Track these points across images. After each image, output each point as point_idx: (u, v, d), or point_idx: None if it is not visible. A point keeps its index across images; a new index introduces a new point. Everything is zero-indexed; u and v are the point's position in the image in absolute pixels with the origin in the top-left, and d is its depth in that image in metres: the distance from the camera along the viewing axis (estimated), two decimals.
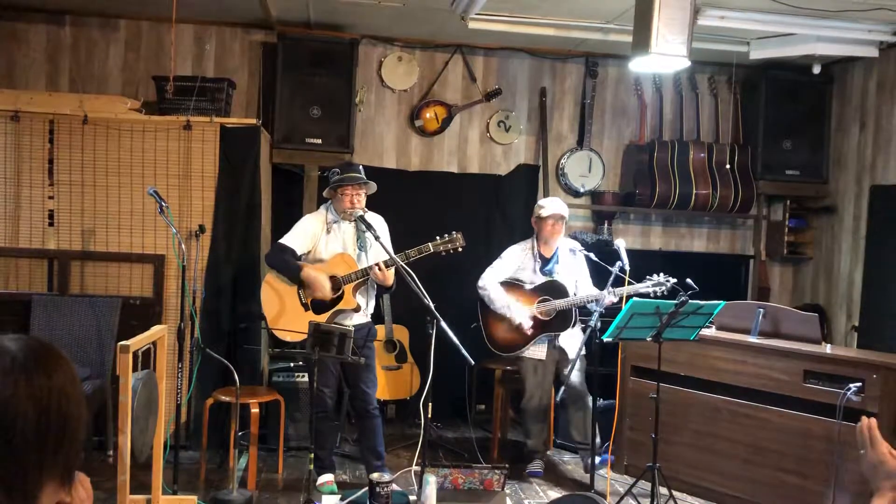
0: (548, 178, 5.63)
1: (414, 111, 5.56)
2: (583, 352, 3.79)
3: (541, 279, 4.23)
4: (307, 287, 3.77)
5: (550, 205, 4.26)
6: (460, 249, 3.73)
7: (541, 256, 4.27)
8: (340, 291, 3.75)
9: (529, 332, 4.17)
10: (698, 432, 4.09)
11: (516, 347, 4.25)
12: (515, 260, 4.31)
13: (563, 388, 3.90)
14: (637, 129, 5.81)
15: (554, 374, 4.28)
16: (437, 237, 3.71)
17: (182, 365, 4.02)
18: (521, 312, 4.18)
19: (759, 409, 3.88)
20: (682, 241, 5.99)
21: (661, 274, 3.93)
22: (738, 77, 5.76)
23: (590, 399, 4.19)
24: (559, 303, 4.11)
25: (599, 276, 4.17)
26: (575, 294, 4.19)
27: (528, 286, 4.25)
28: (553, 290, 4.15)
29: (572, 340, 4.24)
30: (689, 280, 3.59)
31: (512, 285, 4.27)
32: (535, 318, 4.19)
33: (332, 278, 3.75)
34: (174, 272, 4.40)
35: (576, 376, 4.17)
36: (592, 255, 4.12)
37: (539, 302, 4.18)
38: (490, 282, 4.27)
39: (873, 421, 1.45)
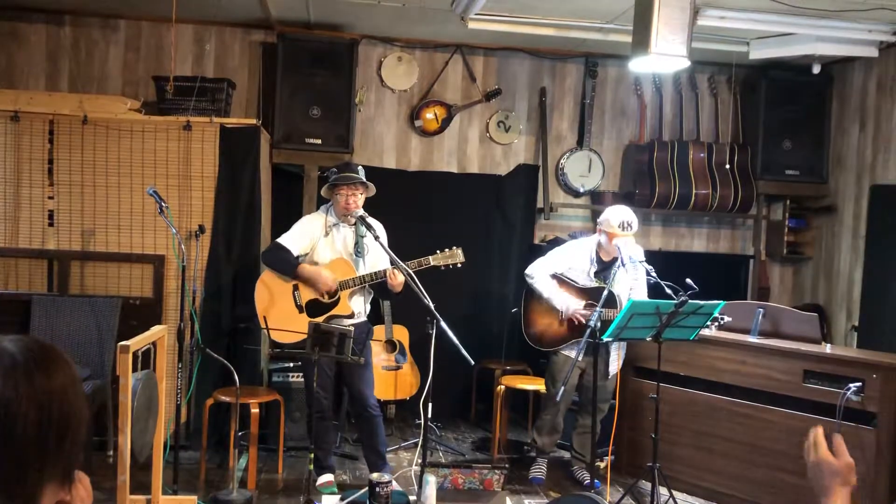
0: (547, 178, 5.63)
1: (414, 111, 5.56)
2: (582, 354, 3.77)
3: (592, 283, 4.05)
4: (307, 283, 3.76)
5: (620, 234, 3.90)
6: (460, 265, 3.71)
7: (598, 260, 4.07)
8: (336, 297, 3.75)
9: (582, 319, 3.95)
10: (698, 432, 4.09)
11: (552, 344, 4.11)
12: (570, 257, 4.12)
13: (561, 390, 3.84)
14: (637, 129, 5.81)
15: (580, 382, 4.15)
16: (438, 251, 3.70)
17: (182, 365, 4.02)
18: (569, 299, 4.00)
19: (759, 408, 3.88)
20: (682, 241, 5.99)
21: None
22: (737, 77, 5.76)
23: (608, 406, 4.15)
24: (604, 312, 3.75)
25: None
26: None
27: (578, 286, 4.06)
28: (602, 297, 3.80)
29: (613, 358, 4.08)
30: (688, 280, 3.58)
31: (561, 281, 4.10)
32: (574, 320, 4.03)
33: None
34: (174, 272, 4.40)
35: (608, 381, 4.07)
36: (652, 272, 3.78)
37: (586, 305, 4.03)
38: (539, 271, 4.10)
39: (820, 429, 1.49)
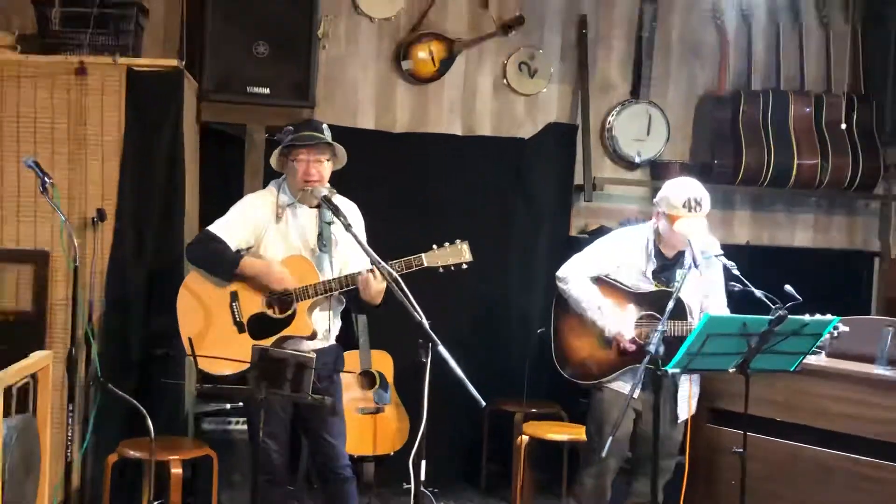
0: (589, 142, 5.62)
1: (401, 49, 5.54)
2: (639, 389, 3.74)
3: (651, 286, 4.04)
4: (252, 286, 3.73)
5: (686, 216, 3.88)
6: (465, 266, 3.68)
7: (658, 255, 4.06)
8: (292, 310, 3.73)
9: (631, 348, 3.94)
10: (803, 501, 4.08)
11: (596, 374, 4.06)
12: (618, 251, 4.10)
13: (608, 441, 3.81)
14: (715, 75, 5.81)
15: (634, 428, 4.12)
16: (435, 246, 3.67)
17: (74, 407, 4.00)
18: (618, 319, 3.97)
19: (889, 468, 3.87)
20: (779, 232, 5.99)
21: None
22: (859, 1, 5.75)
23: (674, 464, 4.14)
24: (669, 326, 3.74)
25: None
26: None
27: (629, 291, 4.05)
28: (665, 304, 3.73)
29: (683, 395, 4.06)
30: (788, 287, 3.57)
31: (607, 285, 4.07)
32: (621, 346, 3.99)
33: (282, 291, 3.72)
34: (63, 276, 4.39)
35: (675, 428, 4.07)
36: (735, 269, 3.76)
37: (641, 319, 4.01)
38: (575, 273, 4.06)
39: None
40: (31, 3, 4.86)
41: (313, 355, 3.39)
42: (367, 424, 4.95)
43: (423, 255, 3.65)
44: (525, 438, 4.62)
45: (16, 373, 2.99)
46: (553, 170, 5.67)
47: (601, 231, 5.33)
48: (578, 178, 5.66)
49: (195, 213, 4.96)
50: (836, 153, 5.55)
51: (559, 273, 4.15)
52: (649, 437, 3.80)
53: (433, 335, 3.24)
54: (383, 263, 3.52)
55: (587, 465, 4.24)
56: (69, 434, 3.88)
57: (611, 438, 3.76)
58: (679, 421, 4.10)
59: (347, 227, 3.62)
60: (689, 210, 3.91)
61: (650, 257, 4.07)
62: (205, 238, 3.81)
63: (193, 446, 4.23)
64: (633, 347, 3.97)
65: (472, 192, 5.57)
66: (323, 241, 3.80)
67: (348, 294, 3.79)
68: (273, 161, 3.87)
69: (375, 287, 3.62)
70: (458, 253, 3.68)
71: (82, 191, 4.48)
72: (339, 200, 3.79)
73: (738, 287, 3.75)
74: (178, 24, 5.30)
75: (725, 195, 5.81)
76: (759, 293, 3.59)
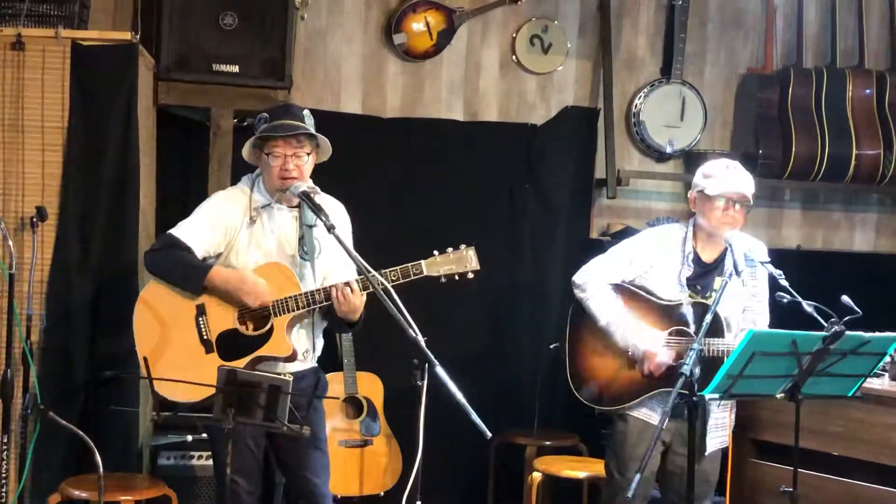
0: (612, 129, 5.62)
1: (392, 19, 5.55)
2: (666, 420, 3.72)
3: (683, 296, 4.03)
4: (226, 296, 3.72)
5: (722, 174, 3.97)
6: (471, 276, 3.69)
7: (696, 259, 4.07)
8: (268, 326, 3.72)
9: (659, 372, 3.94)
10: None
11: (621, 400, 4.06)
12: (649, 252, 4.11)
13: (636, 479, 3.80)
14: (760, 49, 5.82)
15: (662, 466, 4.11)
16: (436, 252, 3.67)
17: (8, 439, 4.00)
18: (647, 335, 3.97)
19: None
20: (836, 234, 6.00)
21: None
22: None
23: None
24: (709, 344, 3.78)
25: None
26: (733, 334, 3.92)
27: (657, 301, 4.05)
28: (705, 324, 3.73)
29: (717, 421, 4.06)
30: (845, 298, 3.57)
31: (630, 294, 4.08)
32: (648, 368, 3.98)
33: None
34: None
35: (706, 462, 4.03)
36: (781, 277, 3.76)
37: (672, 333, 4.02)
38: (595, 279, 4.07)
39: None
40: None
41: (289, 378, 3.39)
42: (353, 460, 4.95)
43: (422, 262, 3.65)
44: (538, 476, 4.61)
45: None
46: (570, 161, 5.68)
47: (626, 233, 5.33)
48: (600, 172, 5.67)
49: (151, 212, 4.97)
50: None
51: (576, 278, 4.15)
52: (680, 473, 3.80)
53: (430, 354, 3.24)
54: (373, 272, 3.51)
55: (617, 494, 4.22)
56: (4, 471, 3.87)
57: (639, 476, 3.77)
58: (707, 453, 4.07)
59: (330, 228, 3.61)
60: (727, 168, 3.97)
61: (686, 260, 4.07)
62: (167, 244, 3.80)
63: (149, 485, 4.22)
64: (661, 372, 3.96)
65: (475, 188, 5.58)
66: (304, 247, 3.79)
67: (322, 309, 3.79)
68: (245, 153, 3.86)
69: (353, 302, 3.62)
70: (464, 260, 3.67)
71: (18, 187, 4.48)
72: (323, 199, 3.79)
73: (786, 298, 3.74)
74: None
75: (772, 191, 5.81)
76: (809, 308, 3.58)
